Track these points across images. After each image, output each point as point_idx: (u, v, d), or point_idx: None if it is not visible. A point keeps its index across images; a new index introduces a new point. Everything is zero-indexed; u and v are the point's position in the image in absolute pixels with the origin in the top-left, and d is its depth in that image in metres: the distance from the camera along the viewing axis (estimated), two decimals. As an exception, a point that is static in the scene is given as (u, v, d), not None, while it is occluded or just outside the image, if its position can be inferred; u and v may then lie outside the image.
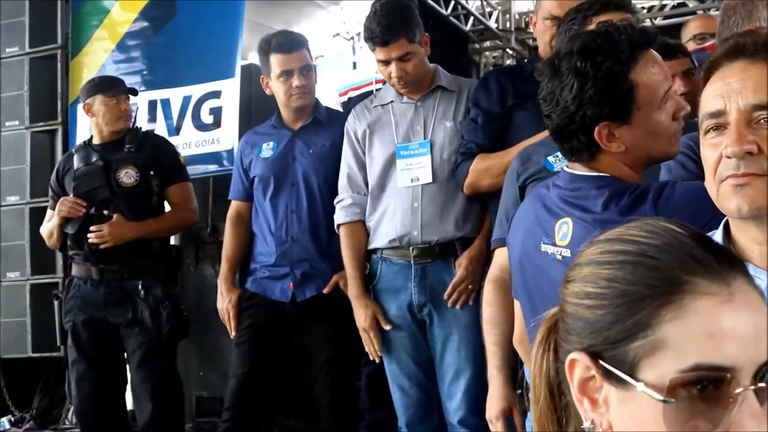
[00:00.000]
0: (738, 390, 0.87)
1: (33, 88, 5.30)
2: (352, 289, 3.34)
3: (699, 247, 0.95)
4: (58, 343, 4.39)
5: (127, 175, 3.97)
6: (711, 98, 1.39)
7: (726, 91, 1.37)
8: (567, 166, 1.97)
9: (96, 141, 4.14)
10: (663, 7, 7.71)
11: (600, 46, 1.81)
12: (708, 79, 1.40)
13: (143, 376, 3.91)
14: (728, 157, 1.35)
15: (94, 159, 4.05)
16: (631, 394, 0.91)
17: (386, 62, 3.26)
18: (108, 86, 4.13)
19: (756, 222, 1.37)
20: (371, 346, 3.31)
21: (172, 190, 4.09)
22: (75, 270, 4.06)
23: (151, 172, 4.02)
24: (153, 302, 3.87)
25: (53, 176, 4.23)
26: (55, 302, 4.33)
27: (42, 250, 4.97)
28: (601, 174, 1.87)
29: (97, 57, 5.35)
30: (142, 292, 3.88)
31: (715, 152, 1.37)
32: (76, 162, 4.09)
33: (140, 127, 4.29)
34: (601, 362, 0.94)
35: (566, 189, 1.92)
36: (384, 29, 3.19)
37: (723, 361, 0.87)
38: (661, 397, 0.88)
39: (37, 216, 5.13)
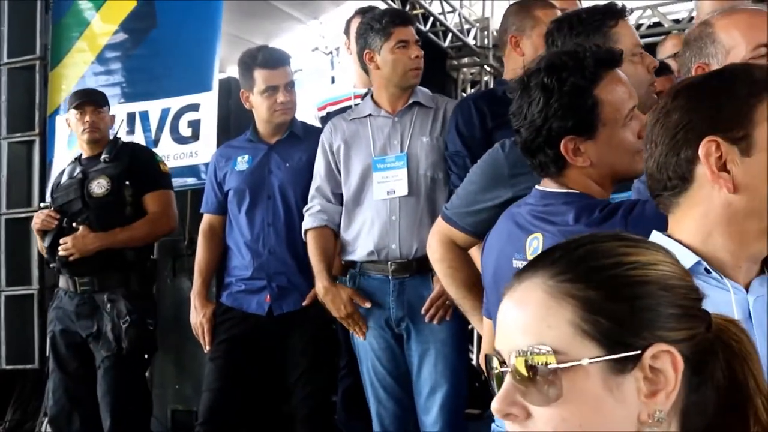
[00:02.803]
0: (495, 370, 1.03)
1: (11, 99, 5.28)
2: (320, 282, 3.33)
3: (548, 250, 1.10)
4: (37, 355, 4.36)
5: (99, 185, 3.95)
6: None
7: None
8: (538, 185, 2.01)
9: (83, 154, 4.16)
10: (639, 26, 7.79)
11: (565, 63, 1.87)
12: (762, 91, 1.40)
13: (103, 390, 3.89)
14: None
15: (76, 172, 4.06)
16: None
17: (405, 43, 3.30)
18: (75, 98, 4.16)
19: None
20: (357, 327, 3.30)
21: (149, 198, 4.04)
22: (60, 281, 4.06)
23: (127, 182, 3.98)
24: (116, 316, 3.83)
25: (49, 190, 4.29)
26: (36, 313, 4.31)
27: (17, 262, 4.94)
28: (570, 191, 1.90)
29: (77, 68, 5.33)
30: (108, 306, 3.85)
31: None
32: (64, 176, 4.13)
33: (119, 138, 4.28)
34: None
35: (537, 205, 1.95)
36: (402, 12, 3.27)
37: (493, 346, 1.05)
38: None
39: (13, 227, 5.11)
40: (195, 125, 4.88)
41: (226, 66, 5.82)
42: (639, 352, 0.98)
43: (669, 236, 1.44)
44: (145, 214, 4.02)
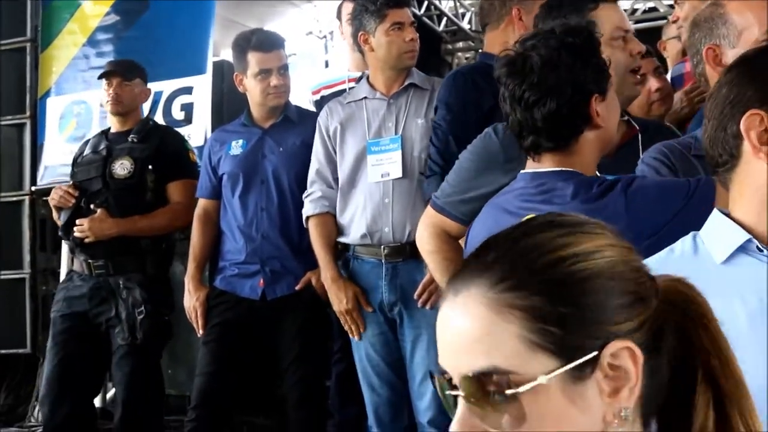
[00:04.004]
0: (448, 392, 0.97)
1: (1, 81, 5.25)
2: (329, 273, 3.32)
3: (474, 252, 0.99)
4: (29, 340, 4.33)
5: (122, 167, 3.86)
6: None
7: None
8: (527, 168, 1.98)
9: (111, 129, 4.08)
10: (634, 11, 7.77)
11: (578, 25, 1.92)
12: None
13: (118, 378, 3.85)
14: None
15: (101, 147, 3.99)
16: None
17: (400, 25, 3.27)
18: (105, 68, 4.09)
19: None
20: (354, 326, 3.29)
21: (173, 186, 3.93)
22: (74, 263, 4.01)
23: (150, 167, 3.88)
24: (131, 305, 3.77)
25: (71, 160, 4.16)
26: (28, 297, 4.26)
27: (9, 246, 4.92)
28: (564, 168, 1.89)
29: (68, 51, 5.30)
30: (124, 292, 3.79)
31: None
32: (87, 149, 4.05)
33: (151, 118, 4.21)
34: None
35: (528, 187, 1.92)
36: None
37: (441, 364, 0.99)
38: None
39: (4, 210, 5.09)
40: (188, 108, 4.86)
41: (219, 49, 5.77)
42: (596, 353, 0.92)
43: (725, 214, 1.41)
44: (165, 201, 3.93)
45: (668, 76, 3.59)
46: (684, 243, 1.44)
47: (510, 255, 0.95)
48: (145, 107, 4.64)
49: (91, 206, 3.83)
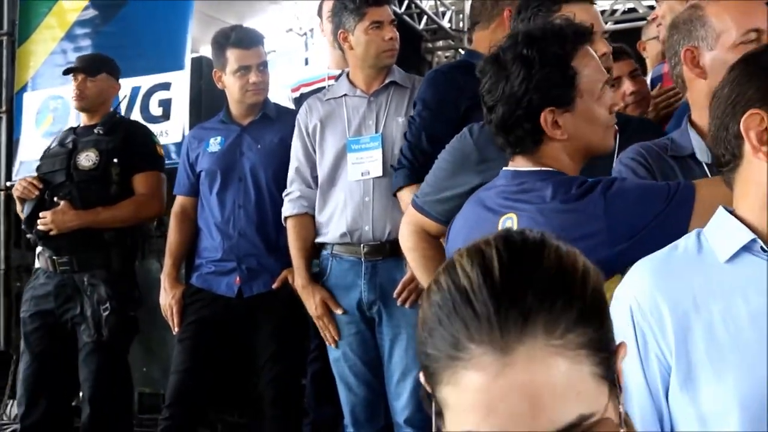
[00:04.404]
0: None
1: (-23, 76, 5.20)
2: (299, 279, 3.32)
3: (495, 299, 0.85)
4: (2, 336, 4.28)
5: (87, 158, 3.84)
6: None
7: None
8: (507, 166, 1.99)
9: (80, 124, 4.07)
10: (614, 11, 7.81)
11: (544, 34, 1.87)
12: None
13: (84, 376, 3.81)
14: None
15: (68, 140, 3.97)
16: None
17: (379, 24, 3.25)
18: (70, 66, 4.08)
19: None
20: (328, 333, 3.29)
21: (138, 178, 3.91)
22: (38, 260, 3.96)
23: (115, 160, 3.85)
24: (96, 301, 3.74)
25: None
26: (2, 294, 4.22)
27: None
28: (544, 168, 1.89)
29: (46, 45, 5.27)
30: (89, 289, 3.76)
31: None
32: (54, 142, 4.03)
33: (117, 112, 4.19)
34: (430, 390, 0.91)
35: (509, 185, 1.93)
36: None
37: None
38: None
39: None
40: (166, 104, 4.84)
41: (198, 45, 5.75)
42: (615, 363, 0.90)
43: (730, 212, 1.41)
44: (131, 195, 3.90)
45: (648, 77, 3.59)
46: (688, 240, 1.44)
47: (547, 291, 0.85)
48: (123, 102, 4.62)
49: (55, 199, 3.81)
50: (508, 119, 1.88)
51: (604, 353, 0.87)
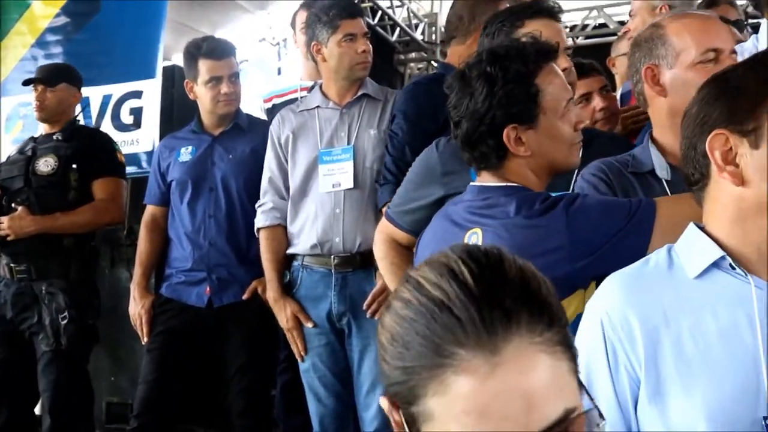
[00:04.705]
0: None
1: (-54, 81, 5.15)
2: (271, 292, 3.32)
3: (475, 303, 0.86)
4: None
5: (45, 164, 3.83)
6: None
7: None
8: (475, 180, 2.01)
9: (42, 133, 4.07)
10: (584, 26, 7.88)
11: (508, 52, 1.89)
12: None
13: (43, 386, 3.78)
14: None
15: (27, 148, 3.97)
16: None
17: (353, 36, 3.26)
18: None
19: None
20: (296, 346, 3.30)
21: (97, 184, 3.91)
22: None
23: (74, 165, 3.85)
24: (55, 311, 3.72)
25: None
26: None
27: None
28: (509, 184, 1.92)
29: (16, 51, 5.23)
30: (47, 298, 3.74)
31: None
32: (14, 150, 4.03)
33: (77, 120, 4.18)
34: (399, 413, 0.92)
35: (475, 200, 1.95)
36: (350, 4, 3.28)
37: None
38: None
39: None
40: (137, 113, 4.82)
41: (171, 54, 5.74)
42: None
43: (701, 228, 1.43)
44: (91, 201, 3.89)
45: (618, 93, 3.63)
46: (659, 255, 1.46)
47: (522, 294, 0.88)
48: (94, 111, 4.60)
49: (12, 204, 3.79)
50: (472, 135, 1.91)
51: (573, 350, 0.91)
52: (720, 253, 1.37)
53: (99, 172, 3.93)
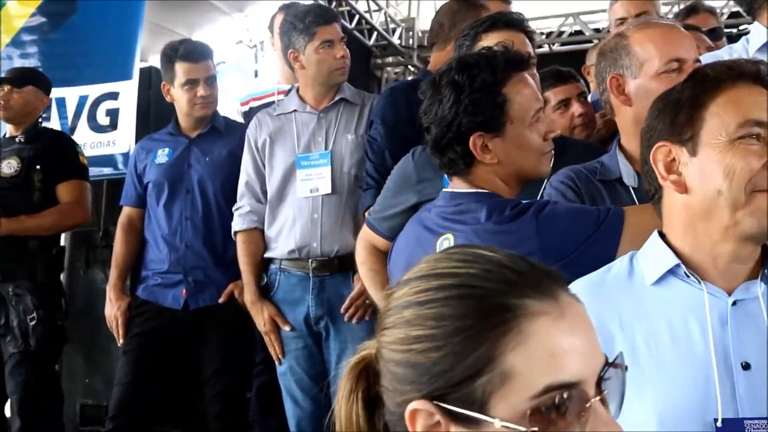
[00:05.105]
0: (588, 403, 0.89)
1: None
2: (249, 295, 3.33)
3: (517, 266, 0.94)
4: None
5: (8, 166, 3.82)
6: (753, 109, 1.39)
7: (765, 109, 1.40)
8: (447, 187, 2.04)
9: (6, 133, 4.06)
10: (561, 33, 7.94)
11: (477, 62, 1.92)
12: (715, 88, 1.42)
13: (11, 388, 3.75)
14: None
15: None
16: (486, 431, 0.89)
17: (330, 42, 3.27)
18: None
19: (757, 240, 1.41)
20: (273, 349, 3.30)
21: (61, 187, 3.89)
22: None
23: (38, 167, 3.85)
24: (22, 312, 3.70)
25: None
26: None
27: None
28: (480, 190, 1.94)
29: (-10, 50, 5.18)
30: (14, 300, 3.72)
31: (753, 160, 1.36)
32: None
33: (40, 122, 4.16)
34: (447, 406, 0.90)
35: (446, 206, 1.98)
36: (325, 10, 3.32)
37: (570, 377, 0.88)
38: (523, 429, 0.86)
39: None
40: (113, 114, 4.79)
41: (148, 55, 5.72)
42: None
43: (661, 237, 1.47)
44: (55, 203, 3.88)
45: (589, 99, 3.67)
46: (621, 263, 1.51)
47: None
48: (70, 112, 4.58)
49: None
50: (440, 141, 1.94)
51: None
52: (675, 261, 1.42)
53: (63, 176, 3.92)
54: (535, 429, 0.87)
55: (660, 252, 1.45)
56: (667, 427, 1.30)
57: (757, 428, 1.31)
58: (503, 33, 2.38)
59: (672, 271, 1.42)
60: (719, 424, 1.31)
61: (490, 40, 2.32)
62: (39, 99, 4.12)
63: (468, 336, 0.90)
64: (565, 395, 0.88)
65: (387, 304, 0.99)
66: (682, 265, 1.41)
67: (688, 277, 1.41)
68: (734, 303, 1.39)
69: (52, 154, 3.92)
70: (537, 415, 0.87)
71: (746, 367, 1.34)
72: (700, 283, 1.40)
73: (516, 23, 2.46)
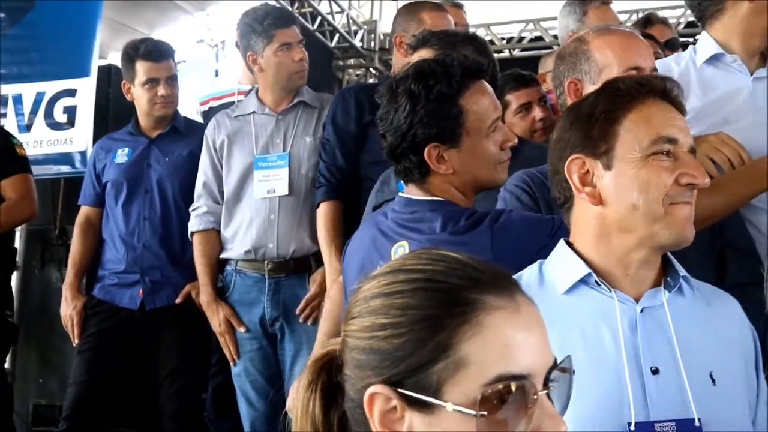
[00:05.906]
0: (535, 395, 0.95)
1: None
2: (204, 296, 3.33)
3: (480, 266, 1.00)
4: None
5: None
6: (663, 125, 1.45)
7: (676, 125, 1.46)
8: (403, 192, 2.04)
9: None
10: (521, 39, 8.00)
11: (433, 71, 1.90)
12: (627, 104, 1.47)
13: None
14: (688, 184, 1.43)
15: None
16: (437, 417, 0.94)
17: (289, 45, 3.28)
18: None
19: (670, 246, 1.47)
20: (228, 351, 3.30)
21: (5, 183, 3.75)
22: None
23: None
24: None
25: None
26: None
27: None
28: (435, 198, 1.94)
29: (-54, 46, 5.10)
30: None
31: (665, 176, 1.42)
32: None
33: None
34: (402, 391, 0.95)
35: (402, 213, 1.98)
36: (284, 13, 3.34)
37: (521, 369, 0.94)
38: (473, 412, 0.92)
39: None
40: (71, 111, 4.74)
41: (107, 53, 5.67)
42: None
43: (570, 246, 1.52)
44: (1, 200, 3.76)
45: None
46: (531, 271, 1.55)
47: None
48: (26, 108, 4.52)
49: None
50: (395, 150, 1.94)
51: None
52: (586, 270, 1.47)
53: (4, 171, 3.77)
54: (484, 413, 0.91)
55: (570, 261, 1.49)
56: (583, 429, 1.33)
57: (667, 430, 1.37)
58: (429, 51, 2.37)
59: (583, 280, 1.47)
60: (632, 427, 1.37)
61: (418, 55, 2.33)
62: None
63: (430, 324, 0.96)
64: (514, 386, 0.93)
65: (355, 297, 1.04)
66: (593, 274, 1.46)
67: (599, 285, 1.46)
68: (642, 310, 1.45)
69: None
70: (487, 402, 0.92)
71: (655, 371, 1.41)
72: (610, 291, 1.45)
73: (446, 39, 2.45)
